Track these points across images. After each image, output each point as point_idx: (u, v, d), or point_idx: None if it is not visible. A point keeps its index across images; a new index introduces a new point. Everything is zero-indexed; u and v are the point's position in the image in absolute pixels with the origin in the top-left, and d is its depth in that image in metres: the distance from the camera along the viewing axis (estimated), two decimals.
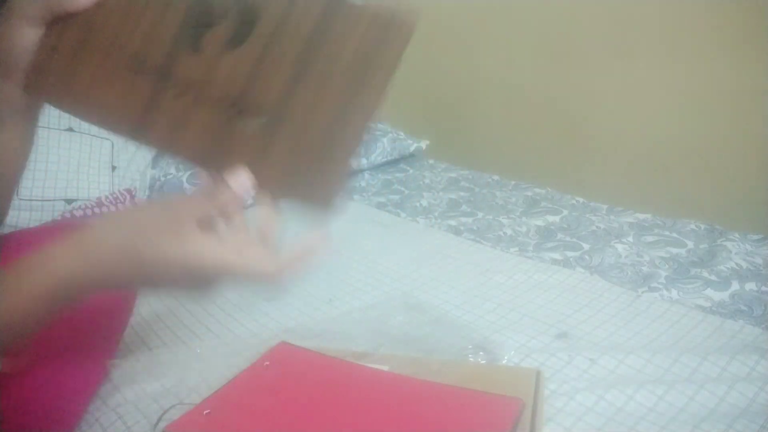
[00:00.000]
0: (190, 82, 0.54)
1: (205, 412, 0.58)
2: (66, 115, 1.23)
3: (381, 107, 0.52)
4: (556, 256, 1.06)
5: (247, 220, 0.50)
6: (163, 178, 1.29)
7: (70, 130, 1.21)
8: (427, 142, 1.68)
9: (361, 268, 1.01)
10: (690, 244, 1.08)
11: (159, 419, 0.62)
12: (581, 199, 1.32)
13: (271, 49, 0.54)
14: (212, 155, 0.53)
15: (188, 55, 0.54)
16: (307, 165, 0.52)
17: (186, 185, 1.27)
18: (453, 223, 1.22)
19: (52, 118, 1.21)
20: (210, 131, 0.53)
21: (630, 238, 1.11)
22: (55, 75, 0.55)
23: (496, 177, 1.50)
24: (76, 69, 0.55)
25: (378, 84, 0.53)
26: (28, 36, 0.53)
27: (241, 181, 0.50)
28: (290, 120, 0.53)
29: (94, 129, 1.24)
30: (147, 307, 0.88)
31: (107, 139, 1.22)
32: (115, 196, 1.14)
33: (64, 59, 0.55)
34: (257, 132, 0.53)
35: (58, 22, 0.55)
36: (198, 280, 0.48)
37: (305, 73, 0.53)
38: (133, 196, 1.09)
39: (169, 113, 0.54)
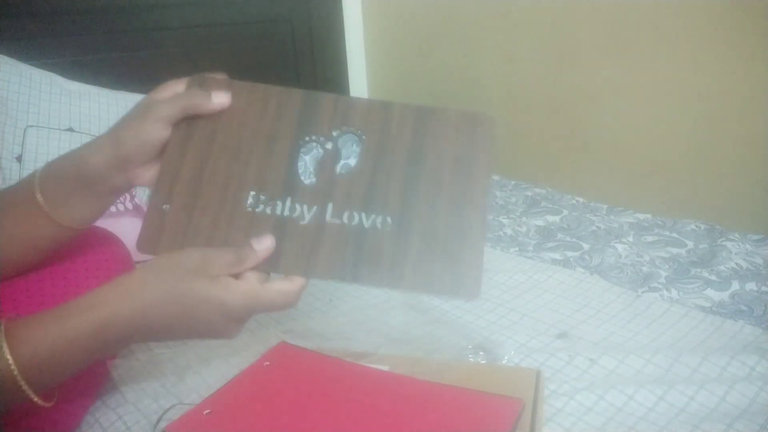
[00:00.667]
0: (312, 206, 0.57)
1: (205, 412, 0.58)
2: (66, 115, 1.24)
3: (488, 197, 0.56)
4: (556, 256, 1.06)
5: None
6: None
7: (71, 130, 1.21)
8: None
9: None
10: (690, 244, 1.08)
11: (159, 419, 0.62)
12: (581, 199, 1.32)
13: (381, 160, 0.58)
14: (350, 266, 0.56)
15: (301, 183, 0.58)
16: (444, 260, 0.56)
17: None
18: None
19: (52, 117, 1.21)
20: (341, 246, 0.56)
21: (630, 238, 1.11)
22: (174, 231, 0.57)
23: (496, 177, 1.50)
24: (194, 218, 0.57)
25: (481, 175, 0.58)
26: (151, 133, 0.57)
27: (266, 245, 0.55)
28: (416, 220, 0.57)
29: (95, 129, 1.24)
30: None
31: None
32: None
33: (178, 212, 0.57)
34: (388, 234, 0.56)
35: (183, 131, 0.59)
36: (231, 319, 0.53)
37: (417, 176, 0.58)
38: (133, 197, 1.10)
39: (298, 241, 0.56)
